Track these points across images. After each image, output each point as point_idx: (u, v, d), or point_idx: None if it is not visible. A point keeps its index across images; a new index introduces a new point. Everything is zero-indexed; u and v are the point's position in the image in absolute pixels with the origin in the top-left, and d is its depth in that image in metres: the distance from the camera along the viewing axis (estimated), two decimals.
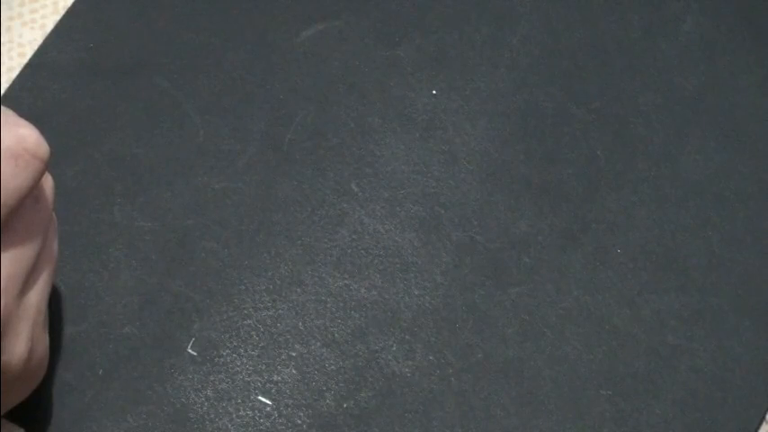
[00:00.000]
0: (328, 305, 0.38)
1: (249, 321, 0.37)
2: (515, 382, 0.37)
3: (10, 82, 0.41)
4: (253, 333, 0.37)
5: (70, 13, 0.43)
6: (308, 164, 0.40)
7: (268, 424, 0.36)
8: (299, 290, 0.38)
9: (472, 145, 0.41)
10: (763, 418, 0.37)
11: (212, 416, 0.36)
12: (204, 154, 0.40)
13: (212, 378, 0.36)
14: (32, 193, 0.30)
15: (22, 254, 0.29)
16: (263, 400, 0.36)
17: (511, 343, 0.38)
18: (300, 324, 0.38)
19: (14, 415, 0.35)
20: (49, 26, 0.42)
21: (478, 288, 0.38)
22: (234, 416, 0.36)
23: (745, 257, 0.39)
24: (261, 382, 0.37)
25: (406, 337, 0.37)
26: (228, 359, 0.37)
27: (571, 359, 0.37)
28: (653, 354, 0.38)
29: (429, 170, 0.41)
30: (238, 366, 0.37)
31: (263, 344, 0.37)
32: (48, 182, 0.32)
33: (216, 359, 0.37)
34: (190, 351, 0.37)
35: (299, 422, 0.36)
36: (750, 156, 0.41)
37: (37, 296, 0.31)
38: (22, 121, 0.29)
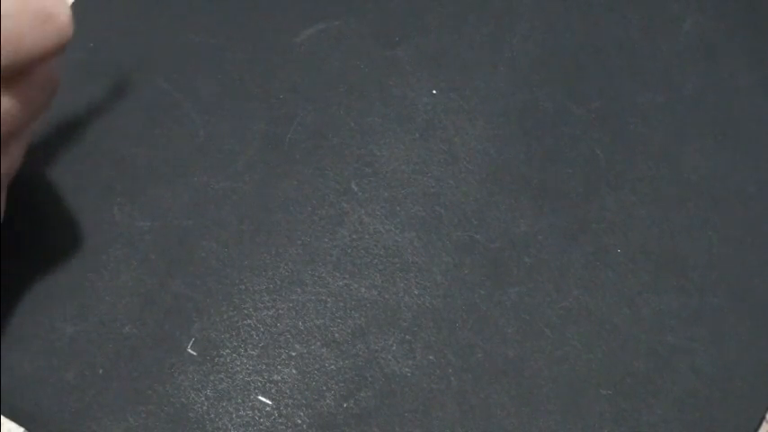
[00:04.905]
0: (328, 305, 0.38)
1: (249, 321, 0.37)
2: (515, 382, 0.37)
3: None
4: (253, 333, 0.37)
5: None
6: (308, 164, 0.40)
7: (268, 424, 0.36)
8: (299, 290, 0.38)
9: (472, 145, 0.41)
10: (763, 417, 0.37)
11: (212, 416, 0.36)
12: (204, 154, 0.40)
13: (212, 378, 0.36)
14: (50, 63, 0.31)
15: (25, 108, 0.30)
16: (263, 399, 0.36)
17: (511, 343, 0.38)
18: (300, 324, 0.38)
19: (14, 415, 0.35)
20: None
21: (478, 288, 0.38)
22: (234, 416, 0.36)
23: (745, 257, 0.39)
24: (261, 382, 0.37)
25: (406, 337, 0.37)
26: (228, 359, 0.37)
27: (571, 359, 0.37)
28: (653, 354, 0.38)
29: (429, 170, 0.41)
30: (238, 366, 0.37)
31: (263, 344, 0.37)
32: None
33: (216, 359, 0.37)
34: (190, 351, 0.37)
35: (299, 422, 0.36)
36: (750, 156, 0.41)
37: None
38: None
